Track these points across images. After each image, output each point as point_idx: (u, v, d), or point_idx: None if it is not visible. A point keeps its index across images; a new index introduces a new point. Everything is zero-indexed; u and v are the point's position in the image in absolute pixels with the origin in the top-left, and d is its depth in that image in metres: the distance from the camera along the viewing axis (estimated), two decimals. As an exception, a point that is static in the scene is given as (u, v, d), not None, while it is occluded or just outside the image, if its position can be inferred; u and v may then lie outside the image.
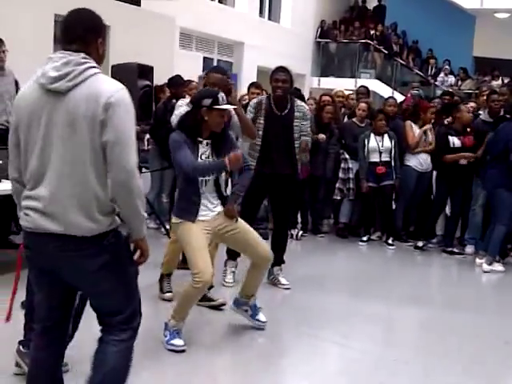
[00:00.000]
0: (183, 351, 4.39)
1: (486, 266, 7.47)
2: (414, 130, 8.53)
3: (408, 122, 8.62)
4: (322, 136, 8.23)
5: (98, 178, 2.76)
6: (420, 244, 8.33)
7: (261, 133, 6.03)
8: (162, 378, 4.16)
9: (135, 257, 3.01)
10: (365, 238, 8.58)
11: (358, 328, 5.25)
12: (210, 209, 4.59)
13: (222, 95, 4.51)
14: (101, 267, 2.81)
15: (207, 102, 4.43)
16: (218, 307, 5.40)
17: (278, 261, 6.15)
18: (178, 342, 4.44)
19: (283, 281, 6.24)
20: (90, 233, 2.77)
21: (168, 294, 5.63)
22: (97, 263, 2.81)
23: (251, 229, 4.77)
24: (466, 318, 5.81)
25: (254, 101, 6.24)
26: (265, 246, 4.79)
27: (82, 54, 2.80)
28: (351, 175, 8.68)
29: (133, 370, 3.05)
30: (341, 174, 8.70)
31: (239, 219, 4.72)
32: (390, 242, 8.48)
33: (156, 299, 5.59)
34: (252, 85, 8.93)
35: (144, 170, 8.77)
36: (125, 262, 2.94)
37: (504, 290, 6.97)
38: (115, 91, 2.76)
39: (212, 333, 4.95)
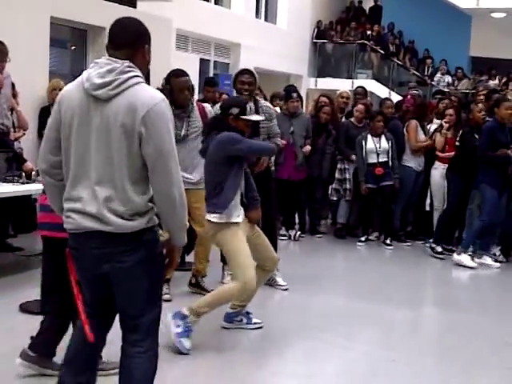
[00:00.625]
0: (187, 354, 4.38)
1: (455, 256, 7.71)
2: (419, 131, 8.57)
3: (414, 122, 8.60)
4: (307, 149, 8.23)
5: (134, 184, 2.82)
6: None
7: None
8: (161, 377, 4.14)
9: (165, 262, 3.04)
10: (363, 239, 8.58)
11: (356, 329, 5.24)
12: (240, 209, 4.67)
13: (250, 105, 4.65)
14: (137, 263, 2.86)
15: (235, 110, 4.54)
16: None
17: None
18: (187, 343, 4.42)
19: (280, 281, 6.23)
20: (127, 230, 2.82)
21: (166, 296, 5.62)
22: (134, 259, 2.85)
23: (262, 233, 4.91)
24: (465, 318, 5.80)
25: (217, 106, 5.91)
26: (273, 250, 4.96)
27: (127, 63, 2.85)
28: (348, 175, 8.68)
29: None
30: (337, 175, 8.70)
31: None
32: (388, 242, 8.48)
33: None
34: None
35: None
36: (158, 261, 2.97)
37: (503, 290, 6.97)
38: (154, 104, 2.78)
39: (209, 333, 4.93)
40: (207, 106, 5.97)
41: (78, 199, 2.85)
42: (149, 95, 2.82)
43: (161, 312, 3.05)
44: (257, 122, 5.97)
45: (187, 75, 5.65)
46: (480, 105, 8.06)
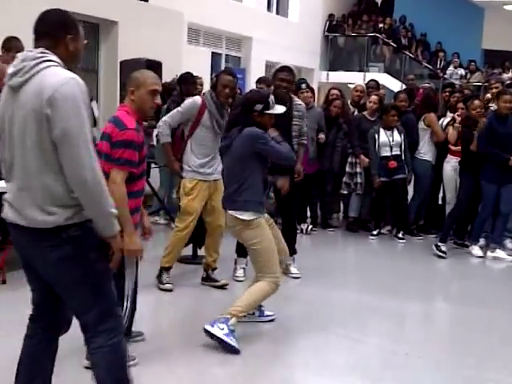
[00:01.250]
0: (238, 352, 4.38)
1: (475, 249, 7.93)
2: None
3: (433, 115, 8.57)
4: (322, 137, 8.29)
5: (52, 172, 2.75)
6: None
7: None
8: (173, 370, 4.16)
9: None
10: (375, 232, 8.57)
11: (368, 322, 5.24)
12: None
13: (271, 98, 4.60)
14: (60, 260, 2.81)
15: (259, 107, 4.52)
16: (222, 287, 5.90)
17: (290, 251, 6.12)
18: (235, 342, 4.42)
19: (293, 270, 6.36)
20: (46, 225, 2.77)
21: (168, 285, 5.78)
22: (55, 255, 2.81)
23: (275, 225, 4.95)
24: (477, 311, 5.79)
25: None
26: (283, 240, 4.96)
27: (41, 49, 2.83)
28: (358, 169, 8.66)
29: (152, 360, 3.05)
30: (348, 169, 8.69)
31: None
32: (400, 235, 8.46)
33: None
34: (259, 81, 8.98)
35: (153, 165, 8.79)
36: (90, 258, 2.87)
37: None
38: (60, 85, 2.71)
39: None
40: None
41: (10, 190, 2.89)
42: (57, 77, 2.74)
43: (112, 307, 2.98)
44: (289, 120, 6.06)
45: (235, 76, 5.82)
46: (476, 101, 8.05)
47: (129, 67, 8.13)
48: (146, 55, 8.17)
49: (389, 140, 8.28)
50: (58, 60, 2.85)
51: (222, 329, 4.40)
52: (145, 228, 4.21)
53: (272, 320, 5.06)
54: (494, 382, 4.21)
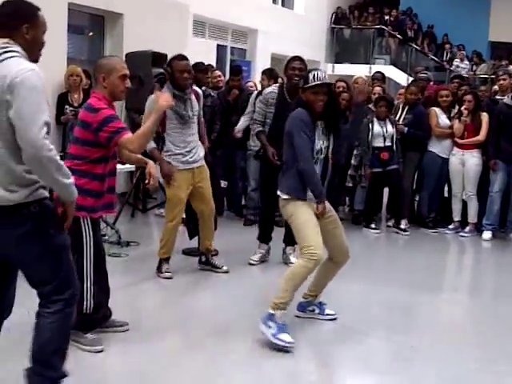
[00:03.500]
0: (291, 349, 4.28)
1: None
2: (438, 115, 8.55)
3: (433, 109, 8.58)
4: None
5: (11, 153, 2.97)
6: None
7: (269, 121, 6.21)
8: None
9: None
10: (373, 225, 8.54)
11: (376, 314, 5.24)
12: None
13: (314, 73, 4.49)
14: (23, 236, 3.04)
15: (301, 83, 4.52)
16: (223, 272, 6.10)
17: (292, 241, 6.28)
18: (287, 337, 4.29)
19: (293, 260, 6.39)
20: (8, 202, 2.99)
21: (167, 274, 5.93)
22: (19, 232, 3.04)
23: (340, 223, 4.82)
24: (484, 303, 5.79)
25: (267, 90, 6.42)
26: (347, 244, 4.80)
27: (6, 40, 3.02)
28: (355, 151, 8.66)
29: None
30: (353, 161, 8.66)
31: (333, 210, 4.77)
32: (402, 226, 8.47)
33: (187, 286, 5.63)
34: (263, 73, 9.04)
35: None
36: (50, 233, 3.12)
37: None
38: (21, 73, 2.92)
39: (227, 320, 4.96)
40: (198, 90, 6.18)
41: None
42: (19, 66, 2.95)
43: (69, 280, 3.20)
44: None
45: (187, 59, 5.87)
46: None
47: (135, 59, 8.13)
48: (151, 47, 8.17)
49: (382, 131, 8.28)
50: (21, 51, 3.05)
51: (270, 327, 4.31)
52: (147, 174, 4.50)
53: (333, 319, 4.96)
54: (501, 374, 4.20)
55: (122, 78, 4.08)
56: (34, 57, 3.18)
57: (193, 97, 5.87)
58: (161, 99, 4.02)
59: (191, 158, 5.84)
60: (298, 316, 4.94)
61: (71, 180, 3.10)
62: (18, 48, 3.04)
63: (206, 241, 6.15)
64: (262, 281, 6.15)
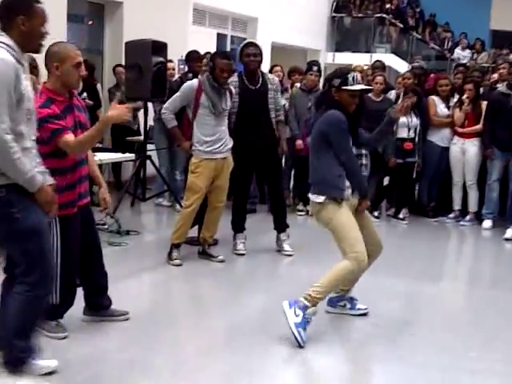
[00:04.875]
0: (302, 347, 4.19)
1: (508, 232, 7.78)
2: (437, 104, 8.54)
3: (431, 98, 8.57)
4: None
5: None
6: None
7: (234, 110, 6.25)
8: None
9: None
10: (376, 214, 8.53)
11: (375, 302, 5.22)
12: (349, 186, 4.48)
13: (353, 75, 4.40)
14: None
15: (336, 82, 4.36)
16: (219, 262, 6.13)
17: (282, 227, 6.58)
18: (304, 335, 4.21)
19: (287, 247, 6.53)
20: None
21: (177, 261, 5.97)
22: None
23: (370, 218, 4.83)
24: (484, 293, 5.79)
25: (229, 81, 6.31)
26: (379, 235, 4.76)
27: None
28: (364, 151, 8.62)
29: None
30: (354, 150, 8.62)
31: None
32: (401, 216, 8.49)
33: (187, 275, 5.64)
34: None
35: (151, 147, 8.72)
36: (16, 218, 3.29)
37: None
38: None
39: (228, 308, 4.97)
40: (232, 89, 6.15)
41: None
42: None
43: (38, 263, 3.36)
44: (265, 95, 6.17)
45: (230, 59, 5.96)
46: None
47: (134, 48, 8.11)
48: (151, 36, 8.14)
49: (407, 121, 8.24)
50: (10, 42, 3.18)
51: (298, 315, 4.21)
52: (101, 200, 4.36)
53: (364, 314, 4.88)
54: (501, 362, 4.20)
55: (76, 66, 3.92)
56: (32, 48, 3.27)
57: (227, 93, 5.99)
58: (112, 111, 3.88)
59: (216, 148, 5.90)
60: (328, 312, 4.84)
61: (29, 174, 3.25)
62: (6, 39, 3.16)
63: (206, 232, 6.20)
64: (258, 268, 6.16)
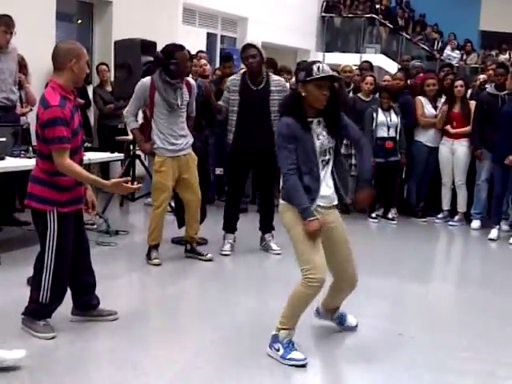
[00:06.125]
0: (305, 365, 3.98)
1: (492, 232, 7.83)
2: (424, 104, 8.57)
3: (418, 98, 8.61)
4: None
5: None
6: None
7: (236, 108, 6.26)
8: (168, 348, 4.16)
9: None
10: (374, 215, 8.55)
11: (364, 302, 5.23)
12: (328, 196, 4.12)
13: (318, 65, 3.93)
14: None
15: (301, 75, 3.93)
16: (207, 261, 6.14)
17: (268, 228, 6.60)
18: (297, 355, 3.97)
19: (274, 246, 6.54)
20: None
21: (156, 260, 5.96)
22: None
23: (349, 243, 4.27)
24: (472, 292, 5.81)
25: (230, 78, 6.47)
26: (354, 267, 4.27)
27: None
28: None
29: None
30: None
31: (344, 228, 4.29)
32: (389, 216, 8.51)
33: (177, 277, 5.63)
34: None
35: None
36: None
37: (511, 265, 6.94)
38: None
39: (215, 307, 4.97)
40: (192, 81, 6.20)
41: None
42: None
43: None
44: (266, 96, 6.18)
45: (184, 49, 5.92)
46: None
47: (124, 47, 8.10)
48: (140, 35, 8.12)
49: (386, 120, 8.27)
50: None
51: (278, 349, 4.00)
52: (87, 202, 4.35)
53: (353, 330, 4.58)
54: (489, 362, 4.21)
55: (86, 63, 4.05)
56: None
57: (184, 87, 5.91)
58: (115, 188, 4.13)
59: (177, 146, 5.88)
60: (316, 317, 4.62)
61: None
62: None
63: (190, 230, 6.20)
64: (247, 268, 6.17)
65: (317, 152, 3.99)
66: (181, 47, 5.87)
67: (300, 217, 3.92)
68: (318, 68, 3.89)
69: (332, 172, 4.13)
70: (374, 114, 8.30)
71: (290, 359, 3.97)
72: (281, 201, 4.10)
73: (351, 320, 4.60)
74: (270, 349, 4.07)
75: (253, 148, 6.23)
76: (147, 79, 5.88)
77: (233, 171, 6.42)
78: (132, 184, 4.36)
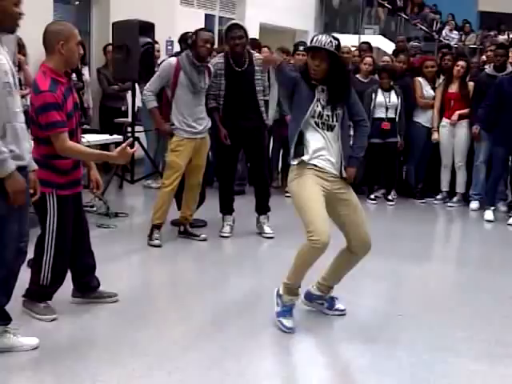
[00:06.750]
0: (289, 333, 4.13)
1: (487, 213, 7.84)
2: (423, 86, 8.57)
3: (417, 79, 8.60)
4: None
5: None
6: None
7: (222, 92, 6.23)
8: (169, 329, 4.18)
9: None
10: (372, 196, 8.56)
11: (363, 284, 5.26)
12: (332, 162, 4.19)
13: (317, 37, 4.09)
14: None
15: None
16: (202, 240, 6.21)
17: (264, 209, 6.58)
18: (287, 322, 4.17)
19: (267, 229, 6.53)
20: None
21: (156, 241, 5.97)
22: None
23: (361, 209, 4.33)
24: (470, 273, 5.84)
25: (213, 62, 6.31)
26: (368, 233, 4.32)
27: None
28: (351, 132, 8.62)
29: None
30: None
31: (354, 195, 4.32)
32: (389, 197, 8.53)
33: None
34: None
35: (139, 128, 8.69)
36: None
37: (509, 246, 6.96)
38: None
39: (216, 288, 4.98)
40: (211, 67, 6.16)
41: None
42: None
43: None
44: (252, 76, 6.23)
45: (212, 32, 6.06)
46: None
47: (122, 28, 8.06)
48: (138, 17, 8.09)
49: (385, 101, 8.25)
50: None
51: (278, 304, 4.25)
52: (92, 181, 4.34)
53: (342, 315, 4.57)
54: (488, 342, 4.24)
55: (78, 44, 4.00)
56: (6, 28, 3.31)
57: (206, 71, 6.01)
58: (120, 157, 4.01)
59: (195, 128, 5.93)
60: (304, 305, 4.58)
61: (1, 156, 3.24)
62: None
63: (187, 210, 6.25)
64: (244, 250, 6.19)
65: (309, 109, 4.14)
66: (204, 29, 6.08)
67: (303, 183, 4.09)
68: (312, 39, 4.10)
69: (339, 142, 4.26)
70: (373, 95, 8.28)
71: (279, 321, 4.19)
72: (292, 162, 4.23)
73: (340, 305, 4.59)
74: (275, 299, 4.28)
75: (240, 128, 6.22)
76: (173, 59, 5.95)
77: (222, 152, 6.40)
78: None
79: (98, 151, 4.01)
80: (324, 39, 4.05)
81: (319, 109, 4.17)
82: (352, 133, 4.53)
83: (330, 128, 4.21)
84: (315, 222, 4.00)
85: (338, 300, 4.59)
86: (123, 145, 3.98)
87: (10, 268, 3.58)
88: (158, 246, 5.92)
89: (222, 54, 6.37)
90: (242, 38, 6.13)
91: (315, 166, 4.15)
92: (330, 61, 4.09)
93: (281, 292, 4.25)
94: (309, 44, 4.20)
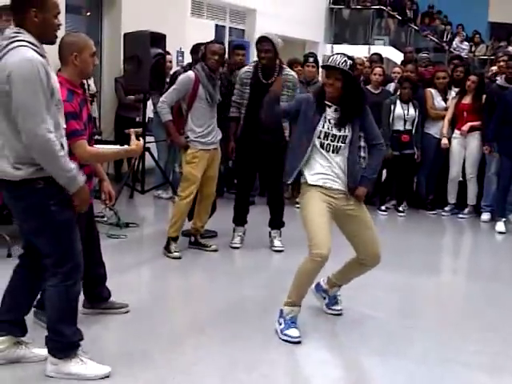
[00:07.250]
0: (299, 342, 4.17)
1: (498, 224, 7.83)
2: (434, 97, 8.55)
3: (428, 90, 8.59)
4: None
5: (15, 134, 3.20)
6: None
7: (245, 101, 6.24)
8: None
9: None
10: (383, 208, 8.55)
11: (375, 296, 5.25)
12: (338, 179, 4.31)
13: (332, 56, 4.26)
14: (26, 209, 3.35)
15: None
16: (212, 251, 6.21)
17: (276, 225, 6.53)
18: (293, 332, 4.19)
19: (277, 243, 6.50)
20: (14, 178, 3.25)
21: (176, 253, 5.97)
22: (23, 204, 3.35)
23: (372, 224, 4.43)
24: (482, 285, 5.80)
25: (243, 70, 6.39)
26: (377, 247, 4.43)
27: (16, 28, 3.24)
28: (362, 143, 8.59)
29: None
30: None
31: (365, 211, 4.42)
32: (400, 209, 8.52)
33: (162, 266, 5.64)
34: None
35: (150, 139, 8.70)
36: (51, 209, 3.33)
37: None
38: (15, 66, 3.12)
39: (227, 300, 4.98)
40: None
41: None
42: (18, 57, 3.14)
43: (70, 255, 3.42)
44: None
45: (223, 45, 6.07)
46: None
47: (133, 40, 8.09)
48: (149, 28, 8.12)
49: (404, 113, 8.25)
50: (30, 38, 3.22)
51: (280, 324, 4.27)
52: (105, 193, 4.36)
53: (338, 315, 4.75)
54: (500, 355, 4.21)
55: (92, 56, 4.00)
56: (47, 39, 3.36)
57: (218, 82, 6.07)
58: (135, 149, 4.05)
59: (210, 139, 5.97)
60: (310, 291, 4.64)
61: (72, 172, 3.29)
62: (26, 36, 3.21)
63: (198, 221, 6.25)
64: (254, 262, 6.18)
65: (315, 131, 4.25)
66: (214, 41, 6.11)
67: (309, 197, 4.23)
68: (327, 58, 4.23)
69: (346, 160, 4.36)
70: (392, 107, 8.27)
71: (285, 334, 4.20)
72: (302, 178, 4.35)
73: (337, 307, 4.75)
74: (276, 323, 4.29)
75: (261, 140, 6.17)
76: (191, 73, 5.92)
77: (241, 164, 6.41)
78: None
79: (115, 148, 4.02)
80: (339, 59, 4.17)
81: (325, 129, 4.27)
82: (363, 154, 4.64)
83: (336, 150, 4.32)
84: (317, 236, 4.11)
85: (339, 302, 4.75)
86: (132, 136, 4.05)
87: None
88: (179, 258, 5.91)
89: (253, 63, 6.37)
90: (268, 51, 6.05)
91: (321, 186, 4.27)
92: (344, 80, 4.18)
93: (281, 308, 4.29)
94: (324, 63, 4.33)
